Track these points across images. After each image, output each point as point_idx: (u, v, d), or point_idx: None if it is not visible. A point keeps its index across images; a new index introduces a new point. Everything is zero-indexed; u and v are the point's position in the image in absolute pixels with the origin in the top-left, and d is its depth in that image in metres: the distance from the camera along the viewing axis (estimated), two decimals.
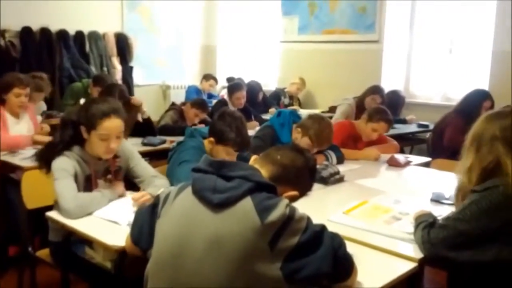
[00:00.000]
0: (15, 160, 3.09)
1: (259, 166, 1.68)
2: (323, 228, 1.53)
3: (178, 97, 6.40)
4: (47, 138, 3.33)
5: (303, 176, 1.70)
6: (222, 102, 5.17)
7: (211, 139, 2.60)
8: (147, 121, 4.07)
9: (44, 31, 5.69)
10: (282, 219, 1.45)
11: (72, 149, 2.28)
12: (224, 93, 5.94)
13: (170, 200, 1.63)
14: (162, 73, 7.15)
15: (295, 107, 5.90)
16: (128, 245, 1.75)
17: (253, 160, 1.76)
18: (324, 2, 6.40)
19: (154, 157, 3.53)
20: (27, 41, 5.54)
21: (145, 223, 1.67)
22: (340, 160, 3.24)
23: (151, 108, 6.54)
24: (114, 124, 2.25)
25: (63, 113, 2.42)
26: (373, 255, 1.83)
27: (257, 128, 4.18)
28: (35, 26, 5.60)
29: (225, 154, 2.55)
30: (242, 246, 1.44)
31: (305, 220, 1.50)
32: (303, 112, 4.47)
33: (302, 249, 1.45)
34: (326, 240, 1.49)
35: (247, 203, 1.48)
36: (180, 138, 3.30)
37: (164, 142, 3.85)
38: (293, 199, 1.66)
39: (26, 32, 5.54)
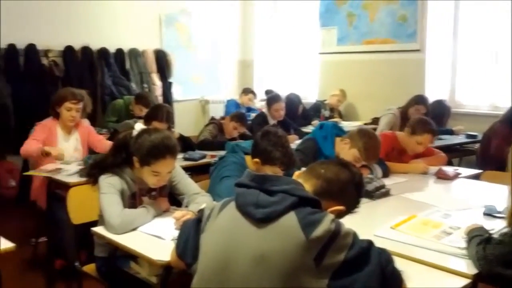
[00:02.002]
0: (61, 176, 3.16)
1: (303, 180, 1.66)
2: (370, 243, 1.49)
3: (217, 111, 6.45)
4: (56, 150, 3.38)
5: (348, 191, 1.67)
6: (261, 116, 5.16)
7: (257, 160, 2.56)
8: (181, 138, 4.09)
9: (86, 49, 5.83)
10: (327, 235, 1.42)
11: (121, 168, 2.32)
12: (263, 106, 5.95)
13: (214, 215, 1.63)
14: (200, 88, 7.22)
15: (336, 119, 5.83)
16: (173, 258, 1.75)
17: (297, 174, 1.74)
18: (363, 12, 6.35)
19: (195, 171, 3.55)
20: (70, 60, 5.68)
21: (190, 237, 1.67)
22: (386, 173, 3.16)
23: (191, 123, 6.67)
24: (168, 164, 2.28)
25: (120, 135, 2.44)
26: (423, 271, 1.76)
27: (297, 141, 4.15)
28: (77, 45, 5.75)
29: (271, 170, 2.52)
30: (287, 262, 1.42)
31: (352, 235, 1.47)
32: (345, 125, 4.41)
33: (349, 265, 1.42)
34: (374, 256, 1.45)
35: (290, 218, 1.46)
36: (221, 153, 3.32)
37: (204, 157, 3.87)
38: (339, 214, 1.63)
39: (68, 51, 5.68)
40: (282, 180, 1.60)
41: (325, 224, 1.44)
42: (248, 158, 2.68)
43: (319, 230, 1.42)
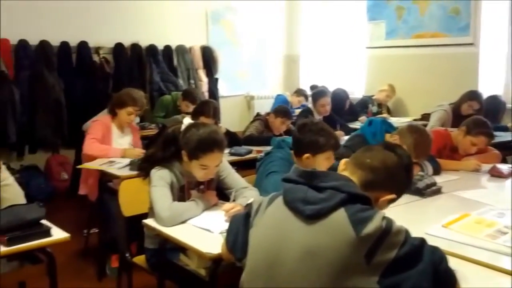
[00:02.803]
0: (113, 169, 3.25)
1: (350, 173, 1.63)
2: (422, 241, 1.46)
3: (263, 107, 6.45)
4: (139, 151, 3.48)
5: (397, 176, 1.62)
6: (306, 111, 5.11)
7: (307, 155, 2.51)
8: (227, 133, 4.12)
9: (135, 46, 5.95)
10: (378, 232, 1.40)
11: (171, 162, 2.36)
12: (308, 102, 5.90)
13: (262, 210, 1.64)
14: (246, 84, 7.26)
15: (385, 115, 5.72)
16: (224, 251, 1.78)
17: (343, 164, 1.70)
18: (413, 5, 6.19)
19: (241, 167, 3.57)
20: (120, 57, 5.82)
21: (239, 232, 1.69)
22: (437, 171, 3.08)
23: (236, 118, 6.71)
24: (216, 157, 2.32)
25: (169, 129, 2.49)
26: (477, 271, 1.71)
27: (344, 137, 4.10)
28: (127, 42, 5.88)
29: (327, 161, 2.51)
30: (336, 259, 1.41)
31: (403, 233, 1.44)
32: (394, 121, 4.32)
33: (401, 263, 1.39)
34: (426, 255, 1.42)
35: (340, 215, 1.45)
36: (267, 148, 3.32)
37: (250, 152, 3.89)
38: (390, 202, 1.60)
39: (118, 48, 5.83)
40: (331, 176, 1.58)
41: (376, 221, 1.42)
42: (303, 159, 2.65)
43: (370, 227, 1.40)
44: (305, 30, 7.59)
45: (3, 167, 2.22)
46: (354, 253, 1.39)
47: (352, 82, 6.96)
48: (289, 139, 3.00)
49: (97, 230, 3.69)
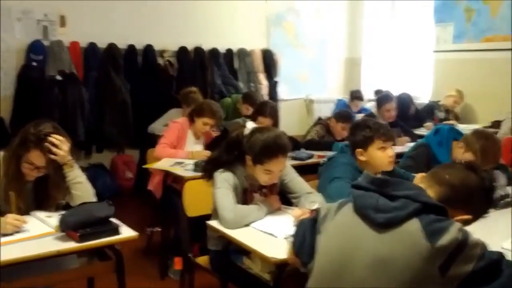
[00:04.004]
0: (177, 170, 3.31)
1: (426, 186, 1.60)
2: (501, 256, 1.42)
3: (322, 111, 6.38)
4: (206, 153, 3.53)
5: (475, 198, 1.58)
6: (369, 116, 5.01)
7: (360, 150, 2.55)
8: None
9: (198, 50, 6.06)
10: (454, 244, 1.37)
11: (234, 165, 2.38)
12: (372, 107, 5.77)
13: (330, 216, 1.63)
14: (306, 87, 7.20)
15: (452, 121, 5.48)
16: (290, 256, 1.77)
17: (419, 178, 1.67)
18: (483, 7, 5.93)
19: (301, 171, 3.54)
20: (183, 60, 5.94)
21: (306, 236, 1.68)
22: (510, 181, 2.92)
23: (295, 122, 6.68)
24: (280, 162, 2.32)
25: (233, 133, 2.52)
26: None
27: (408, 144, 3.99)
28: (190, 46, 6.00)
29: (380, 151, 2.49)
30: (408, 269, 1.39)
31: (480, 246, 1.40)
32: (462, 128, 4.14)
33: (478, 277, 1.36)
34: (506, 270, 1.38)
35: (414, 225, 1.42)
36: (328, 153, 3.28)
37: (311, 156, 3.85)
38: (465, 223, 1.54)
39: (182, 51, 5.95)
40: (405, 184, 1.56)
41: (452, 233, 1.38)
42: (358, 155, 2.63)
43: (445, 239, 1.37)
44: (368, 32, 7.45)
45: (76, 165, 2.31)
46: (427, 264, 1.36)
47: (417, 86, 6.76)
48: None
49: (160, 229, 3.78)
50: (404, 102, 5.48)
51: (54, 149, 2.17)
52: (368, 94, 6.65)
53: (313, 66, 7.24)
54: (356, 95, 6.27)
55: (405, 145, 4.09)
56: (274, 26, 6.83)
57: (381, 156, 2.50)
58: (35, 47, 5.00)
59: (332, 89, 7.39)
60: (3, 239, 1.95)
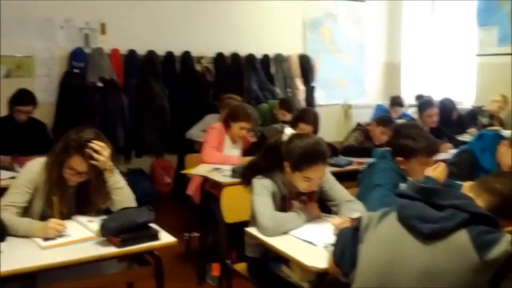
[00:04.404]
0: (215, 176, 3.31)
1: (474, 195, 1.55)
2: None
3: (361, 116, 6.27)
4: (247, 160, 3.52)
5: None
6: (412, 122, 4.91)
7: (400, 158, 2.48)
8: None
9: (235, 56, 6.08)
10: (505, 257, 1.31)
11: (273, 171, 2.35)
12: (413, 112, 5.65)
13: (372, 225, 1.59)
14: (343, 93, 7.12)
15: (497, 127, 5.30)
16: (330, 265, 1.74)
17: (467, 187, 1.61)
18: None
19: (340, 178, 3.48)
20: (220, 66, 5.97)
21: (347, 246, 1.65)
22: None
23: (333, 128, 6.60)
24: (320, 170, 2.28)
25: (271, 140, 2.49)
26: None
27: (450, 151, 3.87)
28: (227, 52, 6.03)
29: (421, 167, 2.40)
30: (456, 282, 1.34)
31: None
32: (507, 134, 4.00)
33: None
34: None
35: (462, 236, 1.37)
36: (368, 160, 3.20)
37: (350, 163, 3.79)
38: None
39: (219, 57, 5.98)
40: (452, 194, 1.51)
41: (503, 245, 1.33)
42: (399, 163, 2.56)
43: (496, 252, 1.32)
44: (408, 36, 7.32)
45: (116, 170, 2.34)
46: (477, 278, 1.32)
47: (460, 91, 6.58)
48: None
49: (198, 234, 3.80)
50: (447, 107, 5.34)
51: (95, 155, 2.20)
52: (409, 99, 6.52)
53: (351, 71, 7.16)
54: (396, 101, 6.15)
55: (448, 152, 3.97)
56: (311, 31, 6.79)
57: (421, 172, 2.39)
58: (77, 55, 5.13)
59: (370, 94, 7.28)
60: (46, 243, 1.99)
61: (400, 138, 2.51)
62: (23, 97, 3.94)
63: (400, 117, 5.77)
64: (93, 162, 2.20)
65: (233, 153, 3.82)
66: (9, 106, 3.91)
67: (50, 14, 5.02)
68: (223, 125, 3.84)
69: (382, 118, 4.41)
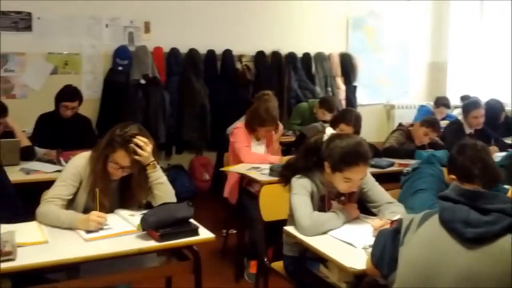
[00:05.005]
0: (254, 174, 3.32)
1: None
2: None
3: (403, 117, 6.17)
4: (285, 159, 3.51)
5: None
6: (456, 123, 4.77)
7: (453, 176, 2.29)
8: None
9: (275, 54, 6.07)
10: None
11: (312, 171, 2.33)
12: (458, 113, 5.49)
13: (413, 228, 1.57)
14: (386, 93, 7.01)
15: None
16: (369, 266, 1.72)
17: None
18: None
19: (380, 180, 3.43)
20: (260, 64, 5.98)
21: (386, 248, 1.63)
22: None
23: (374, 128, 6.50)
24: (361, 171, 2.24)
25: (311, 139, 2.46)
26: None
27: (498, 154, 3.74)
28: (268, 50, 6.03)
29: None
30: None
31: None
32: None
33: None
34: None
35: (507, 242, 1.34)
36: (410, 161, 3.15)
37: (392, 164, 3.72)
38: None
39: (259, 56, 5.99)
40: (498, 198, 1.47)
41: None
42: (445, 171, 2.47)
43: None
44: (455, 35, 7.11)
45: (158, 166, 2.38)
46: None
47: (508, 92, 6.30)
48: (439, 153, 2.81)
49: (235, 231, 3.81)
50: (494, 109, 5.14)
51: (138, 150, 2.24)
52: (454, 100, 6.33)
53: (394, 71, 7.03)
54: (443, 102, 5.98)
55: (494, 155, 3.83)
56: (353, 30, 6.71)
57: None
58: (121, 52, 5.25)
59: (414, 94, 7.14)
60: (89, 236, 2.04)
61: (463, 156, 2.26)
62: (70, 93, 4.05)
63: (444, 118, 5.63)
64: (136, 157, 2.25)
65: (259, 150, 3.83)
66: (56, 102, 4.03)
67: (97, 12, 5.17)
68: (247, 129, 3.80)
69: (427, 119, 4.30)
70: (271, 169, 3.24)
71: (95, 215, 2.10)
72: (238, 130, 3.82)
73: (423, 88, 7.26)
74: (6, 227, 1.99)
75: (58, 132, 3.92)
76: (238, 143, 3.73)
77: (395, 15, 6.96)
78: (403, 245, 1.54)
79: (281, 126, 4.33)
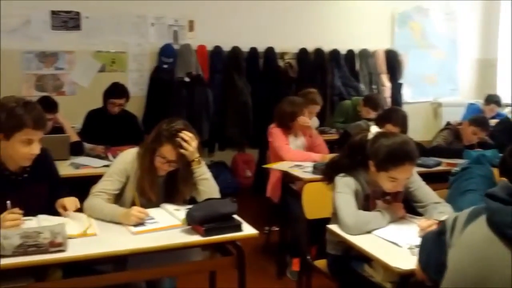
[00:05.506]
0: (297, 172, 3.31)
1: None
2: None
3: (451, 115, 5.96)
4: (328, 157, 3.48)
5: None
6: (506, 122, 4.61)
7: (504, 179, 2.23)
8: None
9: (318, 51, 6.02)
10: None
11: (356, 170, 2.31)
12: (509, 112, 5.29)
13: (458, 228, 1.49)
14: (433, 90, 6.82)
15: None
16: (418, 270, 1.68)
17: None
18: None
19: (427, 179, 3.34)
20: (303, 62, 5.94)
21: (432, 251, 1.59)
22: None
23: (420, 127, 6.33)
24: (407, 170, 2.19)
25: (356, 137, 2.42)
26: None
27: None
28: (310, 48, 5.99)
29: None
30: None
31: None
32: None
33: None
34: None
35: None
36: (458, 161, 3.05)
37: (439, 164, 3.62)
38: None
39: (302, 53, 5.96)
40: None
41: None
42: (496, 172, 2.38)
43: None
44: (505, 31, 6.83)
45: (203, 162, 2.41)
46: None
47: None
48: (488, 153, 2.72)
49: (277, 229, 3.81)
50: None
51: (184, 145, 2.28)
52: (505, 98, 6.10)
53: (441, 68, 6.83)
54: (494, 99, 5.79)
55: None
56: (399, 26, 6.57)
57: None
58: (166, 50, 5.34)
59: (462, 92, 6.92)
60: (136, 229, 2.09)
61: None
62: (117, 90, 4.16)
63: (494, 117, 5.43)
64: (182, 151, 2.28)
65: (298, 144, 3.83)
66: (103, 99, 4.14)
67: (143, 12, 5.27)
68: (282, 130, 3.78)
69: (476, 117, 4.16)
70: (315, 167, 3.21)
71: (136, 210, 2.15)
72: (274, 129, 3.81)
73: (472, 85, 7.04)
74: (58, 219, 2.06)
75: (106, 128, 4.03)
76: (276, 142, 3.73)
77: (442, 10, 6.77)
78: (451, 248, 1.49)
79: (311, 109, 4.30)
